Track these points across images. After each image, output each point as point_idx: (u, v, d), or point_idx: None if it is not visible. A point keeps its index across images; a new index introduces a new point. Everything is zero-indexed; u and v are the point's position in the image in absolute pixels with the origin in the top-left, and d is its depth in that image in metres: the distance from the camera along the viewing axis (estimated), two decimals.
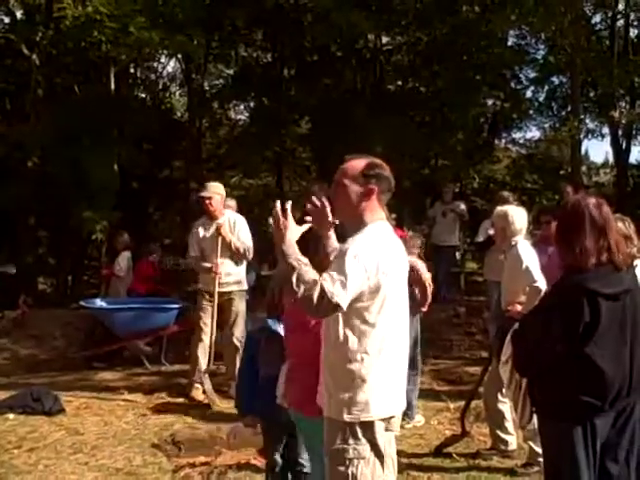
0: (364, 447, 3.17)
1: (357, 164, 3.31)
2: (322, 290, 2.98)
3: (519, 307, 5.05)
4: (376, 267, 3.11)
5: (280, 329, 4.18)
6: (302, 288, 3.00)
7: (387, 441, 3.25)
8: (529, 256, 5.41)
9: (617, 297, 3.22)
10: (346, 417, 3.18)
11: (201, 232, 7.80)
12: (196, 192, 10.39)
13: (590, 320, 3.16)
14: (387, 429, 3.25)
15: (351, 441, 3.18)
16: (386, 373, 3.22)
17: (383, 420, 3.22)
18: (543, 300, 3.51)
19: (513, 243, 5.56)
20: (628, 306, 3.25)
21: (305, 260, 3.09)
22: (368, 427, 3.18)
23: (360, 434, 3.17)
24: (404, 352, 3.34)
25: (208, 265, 7.65)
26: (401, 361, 3.31)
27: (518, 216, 5.66)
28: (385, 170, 3.32)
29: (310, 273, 3.04)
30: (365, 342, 3.17)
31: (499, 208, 5.99)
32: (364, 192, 3.26)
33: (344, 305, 3.02)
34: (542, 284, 5.10)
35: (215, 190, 7.78)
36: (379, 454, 3.20)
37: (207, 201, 7.67)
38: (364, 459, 3.17)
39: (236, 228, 7.75)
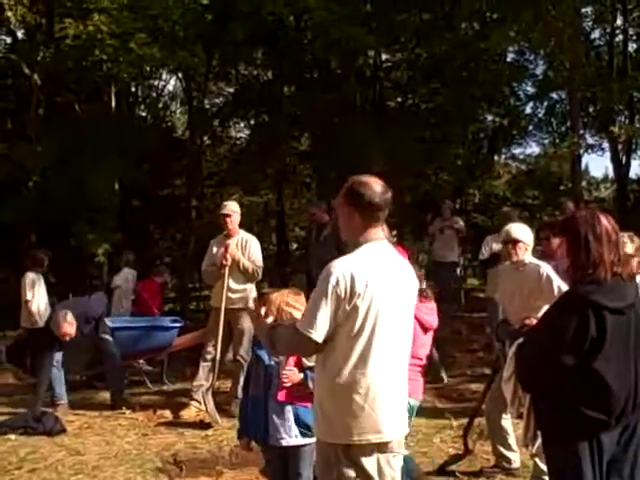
0: (347, 470, 3.18)
1: (345, 185, 3.37)
2: (295, 331, 3.21)
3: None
4: (349, 290, 3.13)
5: (264, 354, 4.25)
6: (280, 344, 3.35)
7: (386, 463, 3.25)
8: (555, 274, 5.40)
9: (622, 311, 3.20)
10: (329, 439, 3.24)
11: (215, 249, 7.87)
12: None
13: (596, 334, 3.15)
14: (384, 451, 3.24)
15: (334, 463, 3.21)
16: (372, 397, 3.19)
17: (371, 444, 3.20)
18: (548, 313, 3.48)
19: (527, 260, 5.54)
20: (632, 321, 3.24)
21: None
22: (351, 450, 3.19)
23: (342, 457, 3.19)
24: (398, 375, 3.30)
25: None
26: (394, 385, 3.27)
27: (529, 232, 5.67)
28: (365, 188, 3.29)
29: (281, 328, 3.44)
30: (344, 365, 3.18)
31: (511, 225, 5.96)
32: (348, 212, 3.32)
33: (317, 338, 3.13)
34: None
35: (234, 208, 7.87)
36: (368, 476, 3.20)
37: (227, 219, 7.74)
38: (347, 479, 3.18)
39: (247, 247, 7.78)
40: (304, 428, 4.14)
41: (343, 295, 3.12)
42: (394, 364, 3.27)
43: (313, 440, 4.08)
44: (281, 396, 4.18)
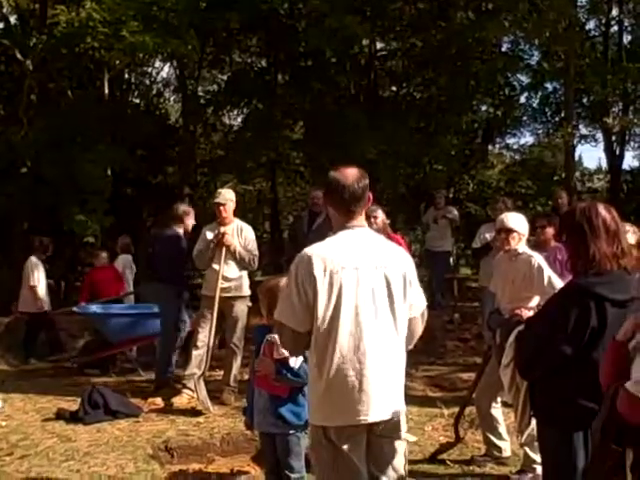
0: (326, 452, 3.29)
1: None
2: (278, 323, 3.30)
3: (527, 312, 5.00)
4: (308, 275, 3.22)
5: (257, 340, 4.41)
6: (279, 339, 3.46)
7: (379, 448, 3.33)
8: (547, 265, 5.40)
9: (625, 304, 3.19)
10: (310, 420, 3.42)
11: (208, 234, 7.80)
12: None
13: (597, 326, 3.14)
14: (375, 435, 3.32)
15: (316, 445, 3.35)
16: (341, 381, 3.24)
17: (348, 427, 3.26)
18: (550, 302, 3.48)
19: (521, 250, 5.53)
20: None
21: None
22: (330, 433, 3.28)
23: (323, 439, 3.29)
24: (378, 357, 3.30)
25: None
26: (372, 368, 3.28)
27: (525, 222, 5.65)
28: (336, 181, 3.39)
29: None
30: (316, 349, 3.28)
31: (510, 214, 5.95)
32: (326, 204, 3.51)
33: (293, 325, 3.24)
34: None
35: (229, 197, 7.81)
36: (347, 459, 3.26)
37: (221, 207, 7.69)
38: (327, 461, 3.29)
39: (243, 236, 7.76)
40: (279, 419, 4.22)
41: (304, 281, 3.22)
42: (369, 346, 3.27)
43: (292, 431, 4.23)
44: (256, 382, 4.35)
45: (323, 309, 3.21)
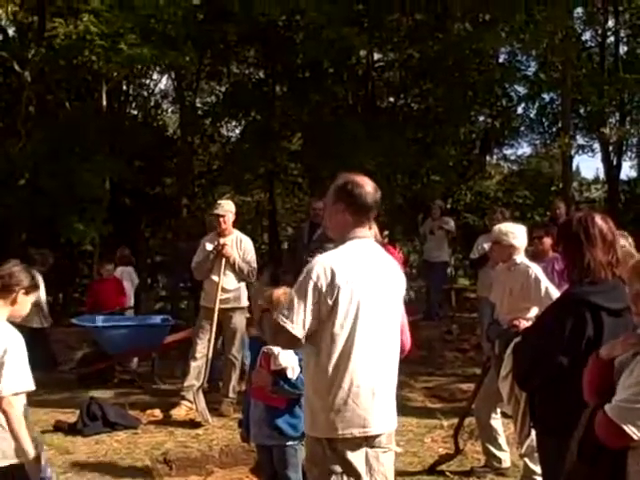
0: (332, 466, 3.22)
1: (336, 182, 3.41)
2: (276, 323, 3.21)
3: (525, 323, 5.00)
4: (330, 284, 3.17)
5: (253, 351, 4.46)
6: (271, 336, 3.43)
7: (374, 458, 3.28)
8: (544, 276, 5.40)
9: (620, 313, 3.20)
10: (315, 434, 3.30)
11: (208, 247, 7.81)
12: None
13: (593, 335, 3.14)
14: (372, 446, 3.27)
15: (320, 459, 3.27)
16: (355, 392, 3.22)
17: (356, 439, 3.23)
18: (546, 312, 3.49)
19: (519, 261, 5.54)
20: (629, 323, 3.23)
21: None
22: (337, 444, 3.23)
23: (329, 451, 3.23)
24: (384, 370, 3.32)
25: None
26: (380, 380, 3.29)
27: (522, 233, 5.65)
28: (357, 188, 3.33)
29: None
30: (327, 361, 3.22)
31: (503, 225, 5.96)
32: (336, 210, 3.36)
33: (295, 331, 3.15)
34: None
35: (228, 208, 7.83)
36: (354, 471, 3.23)
37: (221, 219, 7.72)
38: (333, 473, 3.22)
39: (242, 247, 7.77)
40: (274, 430, 4.22)
41: (324, 289, 3.16)
42: (379, 359, 3.29)
43: (289, 443, 4.22)
44: (252, 394, 4.35)
45: (342, 319, 3.19)
